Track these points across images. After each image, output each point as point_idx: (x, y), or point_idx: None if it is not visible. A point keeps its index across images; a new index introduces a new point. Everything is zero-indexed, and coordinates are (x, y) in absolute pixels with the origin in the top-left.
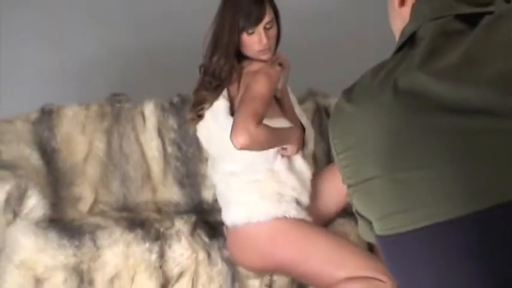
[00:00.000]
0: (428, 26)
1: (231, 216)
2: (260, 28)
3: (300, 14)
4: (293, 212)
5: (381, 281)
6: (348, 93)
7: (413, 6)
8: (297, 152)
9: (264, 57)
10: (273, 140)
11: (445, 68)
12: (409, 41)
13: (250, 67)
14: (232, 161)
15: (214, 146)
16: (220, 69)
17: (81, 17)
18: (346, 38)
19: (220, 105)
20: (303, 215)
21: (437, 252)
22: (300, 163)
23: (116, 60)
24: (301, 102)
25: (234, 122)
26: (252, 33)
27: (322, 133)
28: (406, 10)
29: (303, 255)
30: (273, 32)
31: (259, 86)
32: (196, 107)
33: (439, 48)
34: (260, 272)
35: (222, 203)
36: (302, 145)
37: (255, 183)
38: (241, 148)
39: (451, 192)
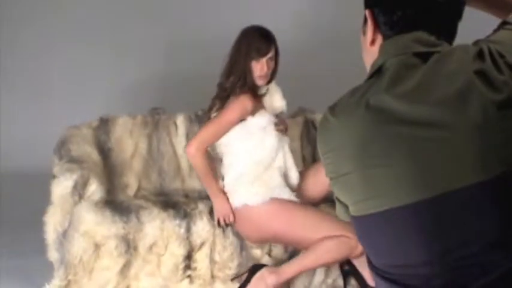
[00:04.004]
0: (392, 61)
1: (234, 201)
2: (264, 59)
3: (295, 50)
4: (283, 194)
5: (348, 237)
6: (332, 109)
7: (381, 46)
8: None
9: (260, 82)
10: (201, 175)
11: (405, 91)
12: (378, 71)
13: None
14: (231, 156)
15: (217, 147)
16: (234, 86)
17: (133, 49)
18: (329, 69)
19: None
20: (291, 196)
21: (394, 228)
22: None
23: (156, 83)
24: (293, 116)
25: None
26: (258, 61)
27: (309, 140)
28: (376, 48)
29: (289, 226)
30: (272, 64)
31: (230, 111)
32: (209, 111)
33: (400, 77)
34: (259, 243)
35: (226, 190)
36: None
37: (250, 173)
38: (187, 154)
39: (406, 184)
